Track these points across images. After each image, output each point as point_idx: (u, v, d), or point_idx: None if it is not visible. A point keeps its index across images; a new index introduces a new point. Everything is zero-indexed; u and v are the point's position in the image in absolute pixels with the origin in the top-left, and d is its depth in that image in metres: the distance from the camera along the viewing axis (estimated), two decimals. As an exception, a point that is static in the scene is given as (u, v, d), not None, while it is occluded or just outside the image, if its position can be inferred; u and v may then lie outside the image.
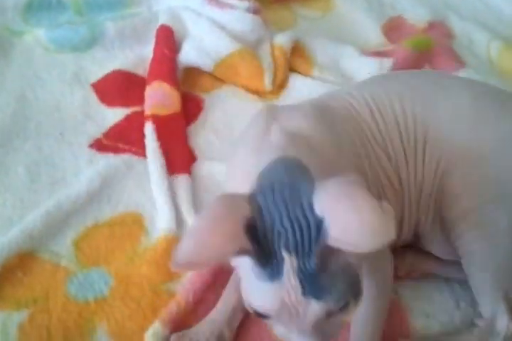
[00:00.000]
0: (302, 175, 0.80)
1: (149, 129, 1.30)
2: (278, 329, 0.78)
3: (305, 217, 0.73)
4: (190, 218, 1.17)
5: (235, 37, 1.46)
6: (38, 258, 1.10)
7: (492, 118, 1.07)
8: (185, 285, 1.07)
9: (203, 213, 0.76)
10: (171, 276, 1.09)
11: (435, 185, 1.06)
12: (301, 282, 0.72)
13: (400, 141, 1.05)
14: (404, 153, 1.05)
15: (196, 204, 1.20)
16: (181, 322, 1.03)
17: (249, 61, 1.43)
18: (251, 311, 0.77)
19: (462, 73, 1.48)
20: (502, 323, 1.02)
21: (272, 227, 0.73)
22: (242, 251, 0.71)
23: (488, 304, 1.03)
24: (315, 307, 0.73)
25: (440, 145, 1.04)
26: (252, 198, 0.76)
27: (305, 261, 0.72)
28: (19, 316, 1.02)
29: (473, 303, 1.08)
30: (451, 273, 1.13)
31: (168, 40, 1.46)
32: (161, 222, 1.16)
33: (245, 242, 0.71)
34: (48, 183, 1.22)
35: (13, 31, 1.54)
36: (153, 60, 1.44)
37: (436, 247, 1.12)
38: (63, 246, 1.12)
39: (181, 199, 1.21)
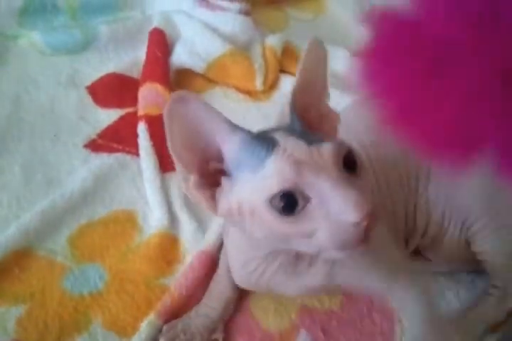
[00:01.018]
0: None
1: (142, 129, 1.32)
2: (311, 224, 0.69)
3: None
4: (182, 215, 1.20)
5: (226, 38, 1.48)
6: (35, 255, 1.12)
7: None
8: (179, 279, 1.08)
9: None
10: (164, 271, 1.12)
11: None
12: (300, 137, 0.71)
13: None
14: None
15: (189, 202, 1.22)
16: (175, 314, 1.05)
17: (240, 62, 1.45)
18: (275, 209, 0.69)
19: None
20: None
21: None
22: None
23: (502, 274, 1.06)
24: (326, 146, 0.70)
25: None
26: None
27: (293, 126, 0.74)
28: (17, 311, 1.04)
29: (459, 294, 1.10)
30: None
31: (161, 43, 1.49)
32: (153, 219, 1.19)
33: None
34: (43, 183, 1.25)
35: (8, 35, 1.56)
36: (146, 62, 1.46)
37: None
38: (59, 244, 1.15)
39: (174, 196, 1.23)
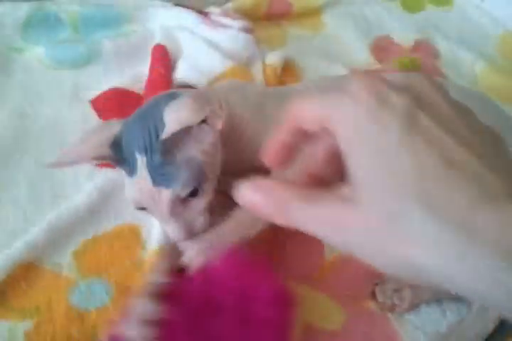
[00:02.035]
0: (168, 97, 0.99)
1: (145, 144, 1.33)
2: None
3: (154, 125, 0.94)
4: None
5: (227, 55, 1.51)
6: (41, 269, 1.14)
7: None
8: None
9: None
10: None
11: None
12: (150, 174, 0.94)
13: None
14: None
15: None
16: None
17: (241, 78, 1.47)
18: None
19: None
20: None
21: (128, 137, 0.97)
22: (101, 157, 0.98)
23: None
24: (165, 193, 0.94)
25: None
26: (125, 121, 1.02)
27: (152, 157, 0.93)
28: (24, 325, 1.06)
29: (460, 312, 1.13)
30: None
31: (163, 59, 1.51)
32: (156, 234, 1.20)
33: (105, 150, 0.97)
34: (49, 197, 1.27)
35: (13, 48, 1.59)
36: (149, 78, 1.48)
37: None
38: (65, 258, 1.17)
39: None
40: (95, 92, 1.49)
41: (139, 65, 1.56)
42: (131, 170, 0.97)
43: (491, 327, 1.07)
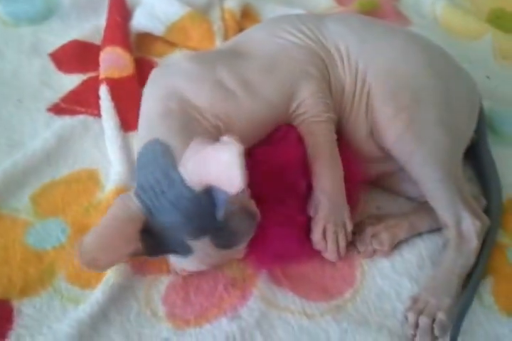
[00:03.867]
0: (169, 160, 0.92)
1: (104, 91, 1.34)
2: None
3: (187, 197, 0.88)
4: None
5: (185, 1, 1.50)
6: (-2, 215, 1.15)
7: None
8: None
9: (106, 216, 0.91)
10: None
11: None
12: (216, 245, 0.93)
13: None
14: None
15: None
16: (144, 262, 1.08)
17: (199, 24, 1.47)
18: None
19: (408, 31, 1.51)
20: (467, 224, 1.09)
21: (164, 222, 0.90)
22: (138, 252, 0.91)
23: (447, 210, 1.09)
24: (229, 254, 0.97)
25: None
26: (140, 198, 0.92)
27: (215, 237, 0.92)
28: (-20, 267, 1.06)
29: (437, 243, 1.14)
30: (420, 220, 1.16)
31: (121, 8, 1.50)
32: (113, 173, 1.20)
33: (138, 242, 0.90)
34: (6, 145, 1.27)
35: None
36: (106, 27, 1.47)
37: (403, 183, 1.19)
38: (21, 202, 1.17)
39: (135, 154, 1.24)
40: (54, 46, 1.49)
41: (97, 18, 1.55)
42: (184, 253, 0.94)
43: (472, 259, 1.08)
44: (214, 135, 0.99)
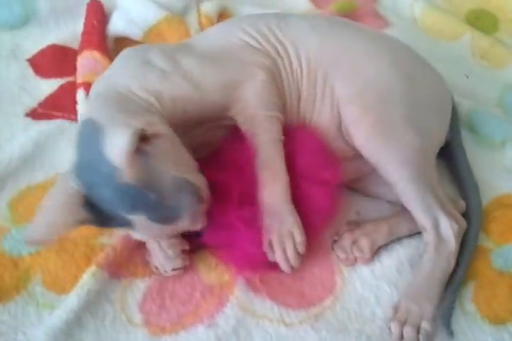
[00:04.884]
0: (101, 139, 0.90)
1: (81, 95, 1.33)
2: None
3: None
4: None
5: (161, 5, 1.49)
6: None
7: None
8: (118, 238, 1.11)
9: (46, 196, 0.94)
10: (102, 231, 1.13)
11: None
12: (154, 221, 0.93)
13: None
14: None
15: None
16: (119, 266, 1.09)
17: (176, 28, 1.46)
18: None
19: (387, 32, 1.52)
20: (444, 226, 1.08)
21: (100, 198, 0.91)
22: (84, 222, 0.92)
23: (423, 212, 1.08)
24: (180, 225, 0.96)
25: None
26: (77, 176, 0.93)
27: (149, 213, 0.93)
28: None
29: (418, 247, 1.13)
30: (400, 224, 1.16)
31: (98, 13, 1.49)
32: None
33: (84, 214, 0.91)
34: (-17, 151, 1.26)
35: None
36: (84, 31, 1.47)
37: (381, 186, 1.18)
38: (-1, 207, 1.17)
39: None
40: (32, 51, 1.48)
41: (75, 23, 1.53)
42: (127, 226, 0.95)
43: (452, 262, 1.08)
44: (151, 110, 1.01)
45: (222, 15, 1.57)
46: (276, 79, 1.14)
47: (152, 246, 1.08)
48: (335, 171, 1.09)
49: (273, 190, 1.03)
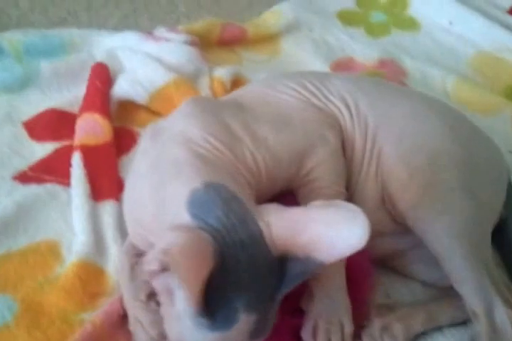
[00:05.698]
0: (240, 207, 0.78)
1: (76, 158, 1.24)
2: None
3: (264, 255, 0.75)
4: (114, 244, 1.09)
5: (170, 68, 1.41)
6: None
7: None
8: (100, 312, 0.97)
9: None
10: (85, 305, 1.00)
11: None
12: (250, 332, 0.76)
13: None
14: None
15: (123, 231, 1.10)
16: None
17: (184, 92, 1.37)
18: None
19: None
20: (499, 313, 0.92)
21: (230, 280, 0.74)
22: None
23: (476, 295, 0.93)
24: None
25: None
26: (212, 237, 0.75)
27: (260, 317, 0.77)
28: None
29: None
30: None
31: (102, 75, 1.41)
32: (76, 244, 1.08)
33: None
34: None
35: None
36: (86, 93, 1.38)
37: (417, 265, 1.06)
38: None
39: (106, 225, 1.13)
40: (29, 114, 1.39)
41: (79, 88, 1.44)
42: (222, 326, 0.75)
43: None
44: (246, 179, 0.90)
45: (236, 80, 1.47)
46: (341, 139, 1.04)
47: (134, 326, 0.94)
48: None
49: (330, 272, 0.91)
